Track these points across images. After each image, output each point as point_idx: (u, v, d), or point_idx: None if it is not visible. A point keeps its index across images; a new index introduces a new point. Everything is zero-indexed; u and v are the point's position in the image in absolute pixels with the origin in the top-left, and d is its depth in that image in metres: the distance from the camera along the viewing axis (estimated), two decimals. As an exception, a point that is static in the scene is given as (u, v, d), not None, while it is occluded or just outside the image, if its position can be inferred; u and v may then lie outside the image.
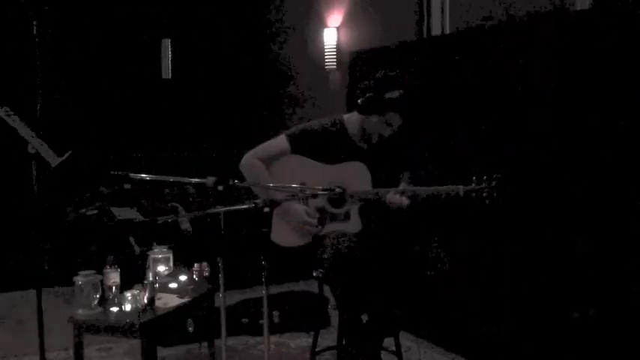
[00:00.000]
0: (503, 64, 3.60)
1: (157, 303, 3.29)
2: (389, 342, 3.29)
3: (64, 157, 3.15)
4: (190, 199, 5.09)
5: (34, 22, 5.44)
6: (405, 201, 3.00)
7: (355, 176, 3.15)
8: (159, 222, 4.19)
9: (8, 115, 3.04)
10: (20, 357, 3.99)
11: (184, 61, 6.01)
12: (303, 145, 3.20)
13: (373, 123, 3.12)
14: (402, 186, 3.04)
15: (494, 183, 2.92)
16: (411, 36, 4.80)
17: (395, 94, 3.04)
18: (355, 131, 3.23)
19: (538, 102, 3.38)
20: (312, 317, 4.26)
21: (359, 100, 3.12)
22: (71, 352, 3.26)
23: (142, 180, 2.71)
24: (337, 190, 2.79)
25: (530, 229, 3.45)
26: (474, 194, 2.94)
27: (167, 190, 5.21)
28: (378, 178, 3.16)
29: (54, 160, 3.15)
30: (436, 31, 4.78)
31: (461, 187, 2.95)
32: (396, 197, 2.99)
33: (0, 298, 5.21)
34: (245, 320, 4.33)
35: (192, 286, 3.53)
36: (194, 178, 2.69)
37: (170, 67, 5.89)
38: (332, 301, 3.54)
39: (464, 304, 3.86)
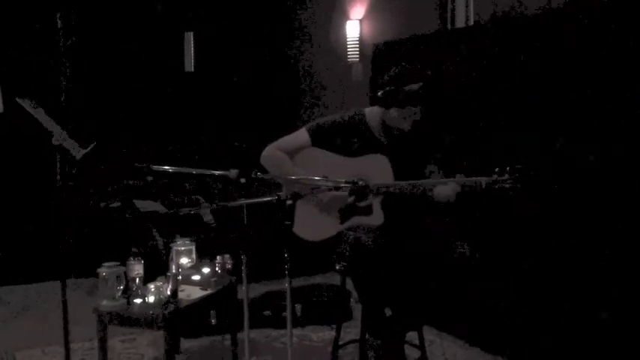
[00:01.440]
0: (528, 57, 3.54)
1: (180, 295, 3.30)
2: (412, 336, 3.28)
3: (87, 149, 3.16)
4: (213, 191, 5.10)
5: (58, 15, 5.49)
6: (453, 196, 2.95)
7: (377, 169, 3.12)
8: (181, 214, 4.19)
9: (34, 107, 3.07)
10: (45, 347, 4.04)
11: (207, 54, 6.02)
12: (323, 138, 3.19)
13: (393, 116, 3.09)
14: (450, 181, 2.99)
15: (516, 174, 2.89)
16: (434, 27, 4.75)
17: (414, 87, 3.00)
18: (376, 124, 3.20)
19: (564, 95, 3.33)
20: (334, 310, 4.25)
21: (379, 93, 3.10)
22: (95, 342, 3.29)
23: (165, 172, 2.71)
24: (360, 182, 2.77)
25: (556, 223, 3.40)
26: (496, 186, 2.91)
27: (189, 183, 5.23)
28: (399, 172, 3.13)
29: (78, 152, 3.16)
30: (460, 22, 4.72)
31: (483, 179, 2.93)
32: (446, 189, 2.96)
33: (25, 290, 5.28)
34: (268, 313, 4.34)
35: (214, 279, 3.54)
36: (217, 170, 2.68)
37: (193, 60, 5.90)
38: (354, 294, 3.53)
39: (487, 299, 3.83)
